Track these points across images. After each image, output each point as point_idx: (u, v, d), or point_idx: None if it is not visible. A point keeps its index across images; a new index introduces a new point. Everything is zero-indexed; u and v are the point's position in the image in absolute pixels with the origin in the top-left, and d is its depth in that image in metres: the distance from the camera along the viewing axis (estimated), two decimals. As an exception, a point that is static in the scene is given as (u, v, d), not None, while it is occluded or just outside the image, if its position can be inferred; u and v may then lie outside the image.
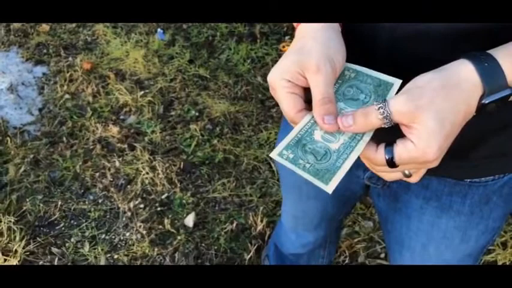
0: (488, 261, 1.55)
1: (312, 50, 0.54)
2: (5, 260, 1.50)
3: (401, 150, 0.51)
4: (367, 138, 0.54)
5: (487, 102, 0.51)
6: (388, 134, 0.53)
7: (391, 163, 0.52)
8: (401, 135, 0.52)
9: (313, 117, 0.56)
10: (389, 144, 0.52)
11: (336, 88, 0.57)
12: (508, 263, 1.54)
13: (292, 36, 2.21)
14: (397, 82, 0.56)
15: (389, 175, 0.57)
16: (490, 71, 0.50)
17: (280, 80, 0.55)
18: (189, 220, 1.61)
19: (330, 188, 0.52)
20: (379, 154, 0.53)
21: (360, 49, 0.60)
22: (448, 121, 0.50)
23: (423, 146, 0.50)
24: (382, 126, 0.52)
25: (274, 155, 0.54)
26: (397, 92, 0.54)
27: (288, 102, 0.55)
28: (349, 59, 0.58)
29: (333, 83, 0.55)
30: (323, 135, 0.55)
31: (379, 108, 0.51)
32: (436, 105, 0.49)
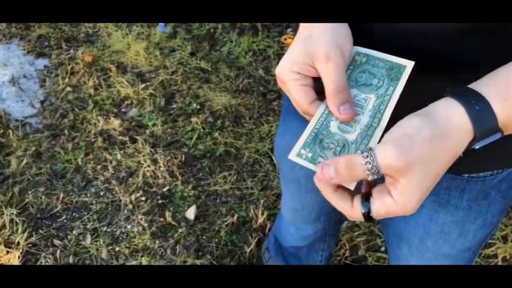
0: (489, 254, 1.55)
1: (319, 38, 0.53)
2: (8, 252, 1.51)
3: (378, 206, 0.49)
4: (383, 124, 0.53)
5: (477, 147, 0.49)
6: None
7: (368, 217, 0.50)
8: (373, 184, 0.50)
9: (326, 107, 0.54)
10: (366, 197, 0.50)
11: (347, 74, 0.56)
12: (508, 257, 1.54)
13: (293, 29, 2.20)
14: (410, 64, 0.55)
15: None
16: (481, 116, 0.47)
17: (289, 73, 0.54)
18: (190, 213, 1.62)
19: (351, 184, 0.50)
20: (356, 209, 0.50)
21: (358, 44, 0.59)
22: (433, 173, 0.48)
23: (403, 201, 0.48)
24: (368, 178, 0.48)
25: (292, 156, 0.53)
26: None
27: (300, 95, 0.54)
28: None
29: (344, 69, 0.54)
30: (339, 126, 0.54)
31: (366, 163, 0.47)
32: (425, 158, 0.46)
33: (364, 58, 0.57)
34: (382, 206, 0.49)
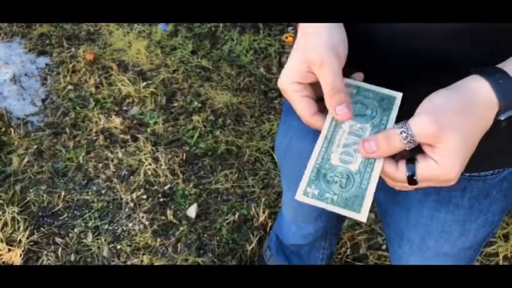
0: (490, 253, 1.55)
1: (315, 44, 0.54)
2: (9, 250, 1.51)
3: (423, 168, 0.51)
4: None
5: (503, 118, 0.51)
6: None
7: (412, 180, 0.52)
8: (420, 152, 0.52)
9: (324, 140, 0.55)
10: (410, 160, 0.52)
11: None
12: (509, 255, 1.54)
13: (294, 28, 2.20)
14: (399, 95, 0.57)
15: (405, 188, 0.56)
16: (505, 88, 0.50)
17: (290, 84, 0.56)
18: (192, 211, 1.62)
19: (363, 216, 0.51)
20: (400, 171, 0.53)
21: (357, 45, 0.60)
22: (469, 141, 0.50)
23: (447, 164, 0.50)
24: (406, 148, 0.51)
25: (299, 196, 0.53)
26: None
27: (302, 107, 0.56)
28: (347, 56, 0.57)
29: (340, 71, 0.54)
30: (340, 157, 0.54)
31: (401, 132, 0.51)
32: (459, 125, 0.49)
33: (355, 89, 0.59)
34: (426, 168, 0.51)
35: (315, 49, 0.54)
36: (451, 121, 0.49)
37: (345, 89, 0.54)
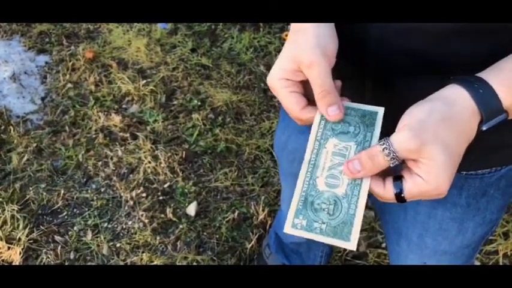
0: (489, 251, 1.55)
1: (304, 43, 0.54)
2: (9, 248, 1.51)
3: (410, 185, 0.50)
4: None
5: (485, 128, 0.51)
6: None
7: (400, 198, 0.51)
8: (405, 167, 0.51)
9: (308, 165, 0.54)
10: (397, 177, 0.51)
11: (323, 125, 0.56)
12: (509, 253, 1.54)
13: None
14: (381, 110, 0.56)
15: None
16: (485, 98, 0.50)
17: (279, 80, 0.55)
18: (191, 209, 1.62)
19: (352, 244, 0.50)
20: (388, 190, 0.52)
21: (350, 44, 0.59)
22: (454, 151, 0.49)
23: (433, 180, 0.49)
24: (390, 165, 0.50)
25: (287, 229, 0.52)
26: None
27: (290, 101, 0.55)
28: (339, 56, 0.57)
29: (329, 71, 0.54)
30: (326, 181, 0.53)
31: (383, 149, 0.50)
32: (441, 137, 0.48)
33: None
34: (413, 185, 0.50)
35: (304, 48, 0.54)
36: (432, 134, 0.48)
37: (334, 90, 0.54)
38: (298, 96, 0.55)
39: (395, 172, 0.53)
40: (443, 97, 0.50)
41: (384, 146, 0.50)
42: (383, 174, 0.53)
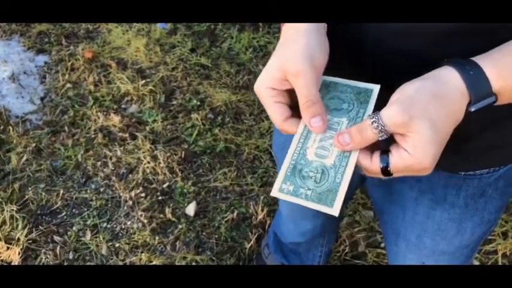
0: (489, 250, 1.55)
1: (292, 52, 0.54)
2: (8, 248, 1.51)
3: (396, 159, 0.51)
4: None
5: (473, 109, 0.51)
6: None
7: (386, 172, 0.52)
8: (393, 141, 0.52)
9: (301, 137, 0.55)
10: (384, 152, 0.52)
11: None
12: (508, 253, 1.54)
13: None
14: (376, 88, 0.57)
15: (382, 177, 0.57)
16: (475, 79, 0.50)
17: (265, 89, 0.55)
18: (190, 209, 1.62)
19: (335, 210, 0.52)
20: (374, 163, 0.53)
21: (346, 45, 0.60)
22: (441, 129, 0.50)
23: (419, 154, 0.50)
24: (379, 139, 0.51)
25: (275, 193, 0.54)
26: (382, 101, 0.54)
27: (274, 111, 0.55)
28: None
29: (316, 82, 0.54)
30: (316, 152, 0.55)
31: (372, 123, 0.51)
32: (429, 113, 0.49)
33: (332, 85, 0.59)
34: (399, 158, 0.51)
35: (291, 58, 0.53)
36: (421, 109, 0.49)
37: (320, 101, 0.54)
38: (283, 106, 0.55)
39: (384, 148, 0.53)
40: (435, 76, 0.52)
41: (373, 119, 0.51)
42: (371, 149, 0.53)
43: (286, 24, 0.58)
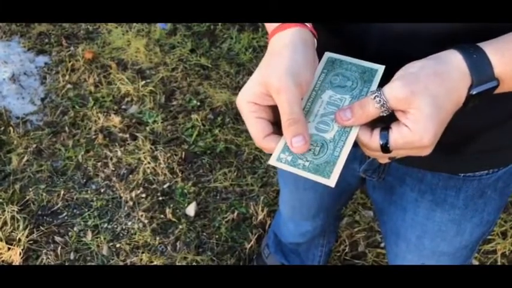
0: (488, 250, 1.55)
1: (277, 67, 0.52)
2: (9, 248, 1.52)
3: (396, 135, 0.51)
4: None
5: (474, 93, 0.51)
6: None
7: (385, 148, 0.52)
8: (395, 120, 0.52)
9: (303, 111, 0.55)
10: (384, 129, 0.52)
11: (322, 78, 0.58)
12: (507, 253, 1.54)
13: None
14: (381, 68, 0.57)
15: (383, 159, 0.57)
16: (477, 62, 0.51)
17: (246, 103, 0.53)
18: (191, 209, 1.62)
19: (331, 181, 0.52)
20: (374, 139, 0.52)
21: (349, 49, 0.60)
22: (442, 107, 0.50)
23: (420, 130, 0.49)
24: (380, 114, 0.51)
25: (272, 161, 0.53)
26: (385, 79, 0.54)
27: (255, 128, 0.53)
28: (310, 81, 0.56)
29: (299, 99, 0.52)
30: (317, 126, 0.55)
31: (375, 97, 0.51)
32: (431, 90, 0.49)
33: (338, 63, 0.59)
34: (399, 135, 0.51)
35: (275, 74, 0.51)
36: (423, 86, 0.49)
37: (303, 119, 0.52)
38: (264, 122, 0.53)
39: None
40: (438, 56, 0.52)
41: (376, 94, 0.51)
42: (372, 126, 0.53)
43: (273, 35, 0.57)
